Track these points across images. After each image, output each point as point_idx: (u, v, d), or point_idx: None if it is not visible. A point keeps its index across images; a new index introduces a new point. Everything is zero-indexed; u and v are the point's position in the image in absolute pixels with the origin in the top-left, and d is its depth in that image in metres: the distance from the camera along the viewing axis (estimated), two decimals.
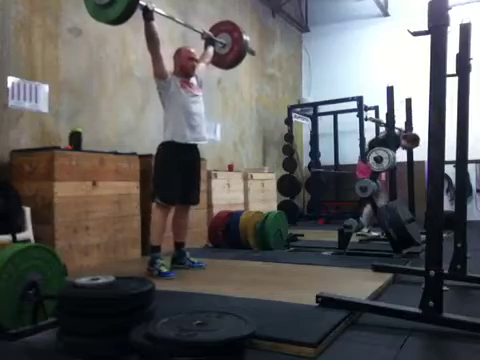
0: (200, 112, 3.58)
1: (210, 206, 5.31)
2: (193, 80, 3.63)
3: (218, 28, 4.09)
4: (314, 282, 3.09)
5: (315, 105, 8.37)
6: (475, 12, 6.88)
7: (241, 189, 6.14)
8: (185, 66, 3.53)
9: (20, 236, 3.25)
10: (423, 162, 6.78)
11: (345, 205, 7.94)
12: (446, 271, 2.78)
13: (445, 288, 2.24)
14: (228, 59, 4.08)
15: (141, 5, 3.17)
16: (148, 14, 3.25)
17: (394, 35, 8.09)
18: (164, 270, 3.31)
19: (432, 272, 2.11)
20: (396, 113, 5.72)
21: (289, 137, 7.88)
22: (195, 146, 3.61)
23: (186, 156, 3.52)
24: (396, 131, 5.72)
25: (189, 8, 6.11)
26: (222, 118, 6.79)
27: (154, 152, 3.56)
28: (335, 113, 8.35)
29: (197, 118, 3.53)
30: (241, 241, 4.58)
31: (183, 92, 3.49)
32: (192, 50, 3.60)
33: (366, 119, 6.36)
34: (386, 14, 8.70)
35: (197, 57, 3.62)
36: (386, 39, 8.46)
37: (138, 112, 5.19)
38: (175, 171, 3.44)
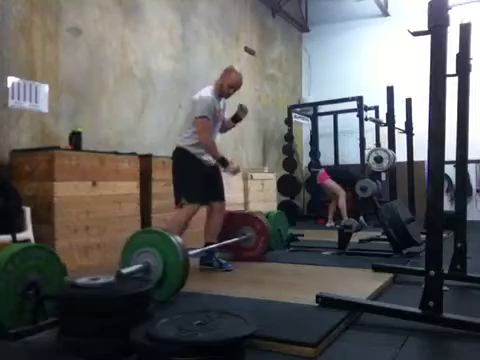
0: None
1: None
2: (222, 105, 3.65)
3: (237, 222, 3.99)
4: (314, 282, 3.09)
5: (315, 105, 8.37)
6: (475, 12, 6.88)
7: (241, 189, 6.14)
8: (224, 89, 3.53)
9: (20, 236, 3.25)
10: (423, 162, 6.78)
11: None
12: (446, 271, 2.78)
13: (445, 288, 2.24)
14: (254, 254, 3.94)
15: None
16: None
17: (394, 35, 8.08)
18: None
19: (432, 272, 2.11)
20: (396, 113, 5.74)
21: (289, 137, 7.88)
22: (177, 149, 3.58)
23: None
24: None
25: (189, 8, 6.11)
26: None
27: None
28: (335, 113, 8.34)
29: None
30: None
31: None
32: (239, 78, 3.56)
33: (366, 119, 6.37)
34: (386, 14, 8.70)
35: (239, 87, 3.59)
36: (386, 39, 8.46)
37: (138, 112, 5.19)
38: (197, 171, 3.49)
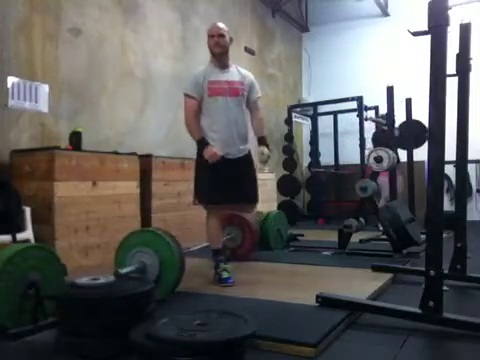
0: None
1: None
2: (228, 75, 3.32)
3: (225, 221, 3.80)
4: (314, 282, 3.09)
5: (315, 105, 8.36)
6: (475, 12, 6.87)
7: None
8: (211, 48, 3.26)
9: (20, 236, 3.25)
10: (423, 162, 6.78)
11: (345, 205, 7.93)
12: (446, 271, 2.78)
13: (445, 288, 2.24)
14: (240, 252, 3.94)
15: None
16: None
17: (394, 35, 8.08)
18: (224, 276, 3.13)
19: (432, 272, 2.11)
20: (396, 113, 5.73)
21: (289, 137, 7.88)
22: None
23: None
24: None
25: (189, 8, 6.11)
26: None
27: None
28: (335, 113, 8.33)
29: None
30: None
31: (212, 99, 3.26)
32: (211, 26, 3.28)
33: (366, 119, 6.37)
34: (386, 14, 8.70)
35: (219, 32, 3.23)
36: (386, 39, 8.46)
37: (138, 112, 5.19)
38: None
